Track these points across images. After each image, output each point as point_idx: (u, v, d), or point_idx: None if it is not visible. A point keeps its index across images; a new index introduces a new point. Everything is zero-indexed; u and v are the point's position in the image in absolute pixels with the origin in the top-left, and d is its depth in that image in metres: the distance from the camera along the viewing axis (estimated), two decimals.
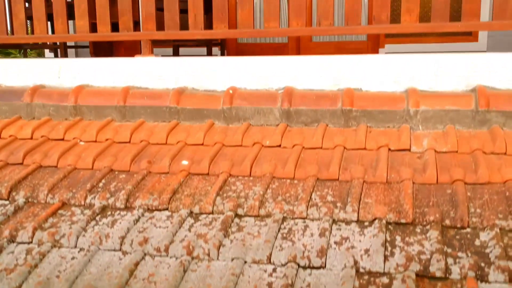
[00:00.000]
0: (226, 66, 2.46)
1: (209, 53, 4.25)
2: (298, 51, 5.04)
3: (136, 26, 2.90)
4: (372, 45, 4.74)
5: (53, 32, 2.91)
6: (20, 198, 1.98)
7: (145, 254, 1.63)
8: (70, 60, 2.69)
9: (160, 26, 2.59)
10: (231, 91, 2.39)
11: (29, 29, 3.09)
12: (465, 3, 2.24)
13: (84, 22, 2.69)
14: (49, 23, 3.61)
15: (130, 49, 3.67)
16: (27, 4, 3.03)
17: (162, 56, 2.78)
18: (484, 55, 2.19)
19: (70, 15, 2.88)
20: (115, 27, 2.74)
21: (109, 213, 1.87)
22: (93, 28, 2.71)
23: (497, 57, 2.18)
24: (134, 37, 2.63)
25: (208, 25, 3.37)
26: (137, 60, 2.59)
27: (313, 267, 1.52)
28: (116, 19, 2.67)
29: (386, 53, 4.61)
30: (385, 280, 1.44)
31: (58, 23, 2.73)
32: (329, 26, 2.38)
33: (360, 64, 2.31)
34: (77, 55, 5.07)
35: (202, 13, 2.53)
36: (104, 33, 2.67)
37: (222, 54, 4.34)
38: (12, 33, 2.83)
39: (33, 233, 1.76)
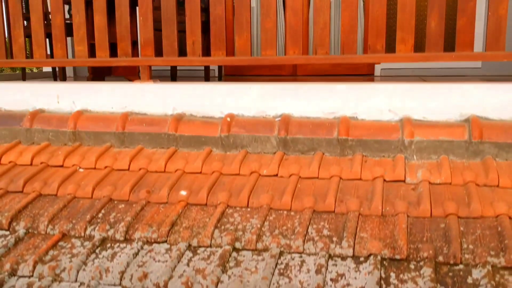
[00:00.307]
0: (224, 93, 2.50)
1: (207, 68, 4.29)
2: (295, 65, 5.09)
3: (135, 46, 2.94)
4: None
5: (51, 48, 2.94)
6: (20, 229, 2.01)
7: None
8: (69, 85, 2.72)
9: (158, 50, 2.63)
10: (228, 119, 2.43)
11: (28, 46, 3.11)
12: (459, 34, 2.28)
13: (83, 47, 2.72)
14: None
15: (128, 68, 3.69)
16: (25, 23, 3.06)
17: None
18: (477, 85, 2.23)
19: (69, 33, 2.92)
20: (113, 48, 2.77)
21: (108, 245, 1.89)
22: (92, 48, 2.74)
23: (489, 87, 2.22)
24: (133, 63, 2.66)
25: (206, 45, 3.41)
26: (135, 86, 2.62)
27: None
28: (115, 40, 2.70)
29: (381, 69, 4.67)
30: None
31: (57, 48, 2.76)
32: (325, 55, 2.41)
33: (356, 93, 2.35)
34: (75, 72, 5.09)
35: (200, 40, 2.57)
36: (103, 58, 2.70)
37: (220, 69, 4.38)
38: (12, 56, 2.86)
39: (34, 267, 1.79)
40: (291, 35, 2.45)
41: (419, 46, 2.42)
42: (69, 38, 2.97)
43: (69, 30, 2.84)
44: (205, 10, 3.26)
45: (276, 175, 2.20)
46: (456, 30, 2.29)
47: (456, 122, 2.23)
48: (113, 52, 2.79)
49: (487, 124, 2.17)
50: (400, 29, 2.32)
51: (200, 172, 2.28)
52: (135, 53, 3.07)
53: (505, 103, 2.19)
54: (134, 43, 2.88)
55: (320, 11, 2.39)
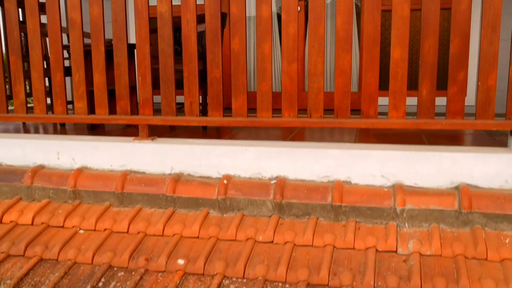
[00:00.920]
0: (221, 154, 2.56)
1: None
2: None
3: (133, 91, 2.99)
4: None
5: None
6: None
7: None
8: (69, 142, 2.77)
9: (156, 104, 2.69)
10: (225, 181, 2.49)
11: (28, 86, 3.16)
12: (450, 102, 2.34)
13: (82, 105, 2.78)
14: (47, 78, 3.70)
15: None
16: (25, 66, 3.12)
17: None
18: (466, 154, 2.30)
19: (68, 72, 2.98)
20: (111, 92, 2.83)
21: None
22: (91, 95, 2.79)
23: (478, 156, 2.28)
24: (132, 121, 2.72)
25: (203, 94, 3.47)
26: (134, 144, 2.68)
27: None
28: (113, 85, 2.75)
29: (379, 105, 4.70)
30: None
31: (57, 104, 2.82)
32: (320, 119, 2.48)
33: (349, 157, 2.41)
34: None
35: (197, 101, 2.63)
36: (103, 115, 2.76)
37: None
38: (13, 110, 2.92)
39: None
40: (287, 99, 2.51)
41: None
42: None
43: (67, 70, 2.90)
44: (201, 56, 3.33)
45: (272, 241, 2.26)
46: (447, 98, 2.35)
47: (446, 190, 2.29)
48: (111, 95, 2.85)
49: (477, 193, 2.23)
50: (392, 96, 2.39)
51: (198, 237, 2.33)
52: (133, 98, 3.13)
53: (493, 172, 2.26)
54: (132, 89, 2.94)
55: (314, 77, 2.45)
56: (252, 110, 2.57)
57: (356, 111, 2.57)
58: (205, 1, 2.53)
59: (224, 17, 3.45)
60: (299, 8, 4.57)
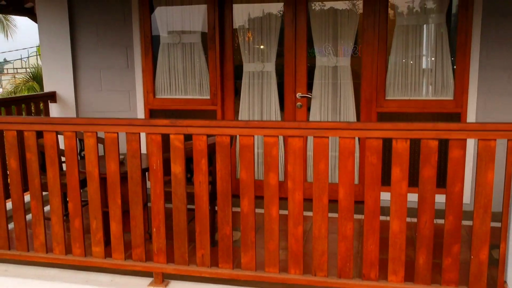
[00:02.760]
0: None
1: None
2: None
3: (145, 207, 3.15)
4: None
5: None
6: None
7: None
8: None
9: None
10: None
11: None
12: (445, 272, 2.52)
13: (100, 249, 2.95)
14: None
15: None
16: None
17: None
18: None
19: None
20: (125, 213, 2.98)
21: None
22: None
23: None
24: (147, 268, 2.89)
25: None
26: None
27: None
28: (127, 207, 2.90)
29: None
30: None
31: (75, 247, 2.99)
32: (324, 277, 2.65)
33: None
34: None
35: (209, 253, 2.80)
36: (119, 260, 2.93)
37: None
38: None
39: None
40: (292, 257, 2.69)
41: None
42: None
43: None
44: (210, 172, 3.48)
45: None
46: (442, 268, 2.53)
47: None
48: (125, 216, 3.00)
49: None
50: (392, 262, 2.57)
51: None
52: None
53: None
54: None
55: (319, 240, 2.63)
56: (259, 197, 2.70)
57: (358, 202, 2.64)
58: (217, 165, 2.71)
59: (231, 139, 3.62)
60: (300, 104, 4.75)
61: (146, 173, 3.34)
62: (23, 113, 4.76)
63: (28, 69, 19.89)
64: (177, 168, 2.77)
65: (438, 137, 2.43)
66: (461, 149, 2.43)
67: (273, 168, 2.64)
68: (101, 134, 2.84)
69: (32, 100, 4.93)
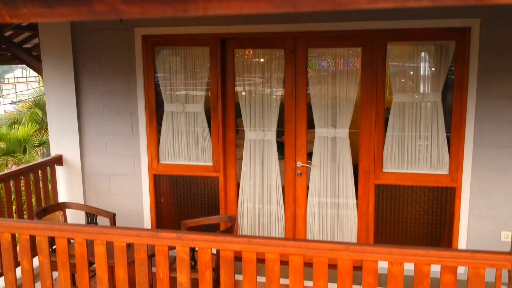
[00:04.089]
0: None
1: None
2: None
3: None
4: None
5: None
6: None
7: None
8: None
9: None
10: None
11: None
12: None
13: None
14: None
15: None
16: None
17: None
18: None
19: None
20: None
21: None
22: None
23: None
24: None
25: None
26: None
27: None
28: None
29: None
30: None
31: None
32: None
33: None
34: None
35: None
36: None
37: None
38: None
39: None
40: None
41: None
42: None
43: None
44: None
45: None
46: None
47: None
48: None
49: None
50: None
51: None
52: None
53: None
54: None
55: None
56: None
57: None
58: (221, 276, 2.85)
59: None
60: (300, 172, 4.90)
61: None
62: (31, 184, 4.88)
63: (29, 96, 20.08)
64: (183, 277, 2.91)
65: (430, 262, 2.57)
66: (452, 274, 2.57)
67: (274, 282, 2.77)
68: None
69: (40, 168, 5.06)
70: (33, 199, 4.87)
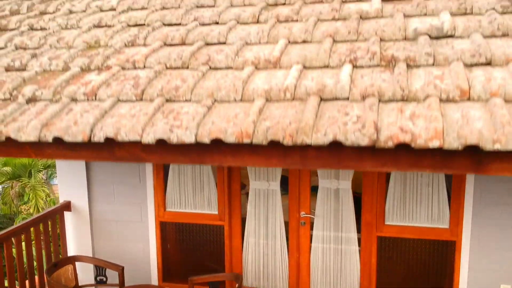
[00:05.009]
0: None
1: None
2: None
3: None
4: None
5: None
6: None
7: None
8: None
9: None
10: None
11: None
12: None
13: None
14: None
15: None
16: None
17: None
18: None
19: None
20: None
21: None
22: None
23: None
24: None
25: None
26: None
27: None
28: None
29: None
30: None
31: None
32: None
33: None
34: None
35: None
36: None
37: None
38: None
39: None
40: None
41: None
42: None
43: None
44: None
45: None
46: None
47: None
48: None
49: None
50: None
51: None
52: None
53: None
54: None
55: None
56: None
57: None
58: None
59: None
60: (304, 222, 5.01)
61: None
62: (41, 234, 5.00)
63: None
64: None
65: None
66: None
67: None
68: None
69: (50, 217, 5.18)
70: (43, 254, 4.97)
